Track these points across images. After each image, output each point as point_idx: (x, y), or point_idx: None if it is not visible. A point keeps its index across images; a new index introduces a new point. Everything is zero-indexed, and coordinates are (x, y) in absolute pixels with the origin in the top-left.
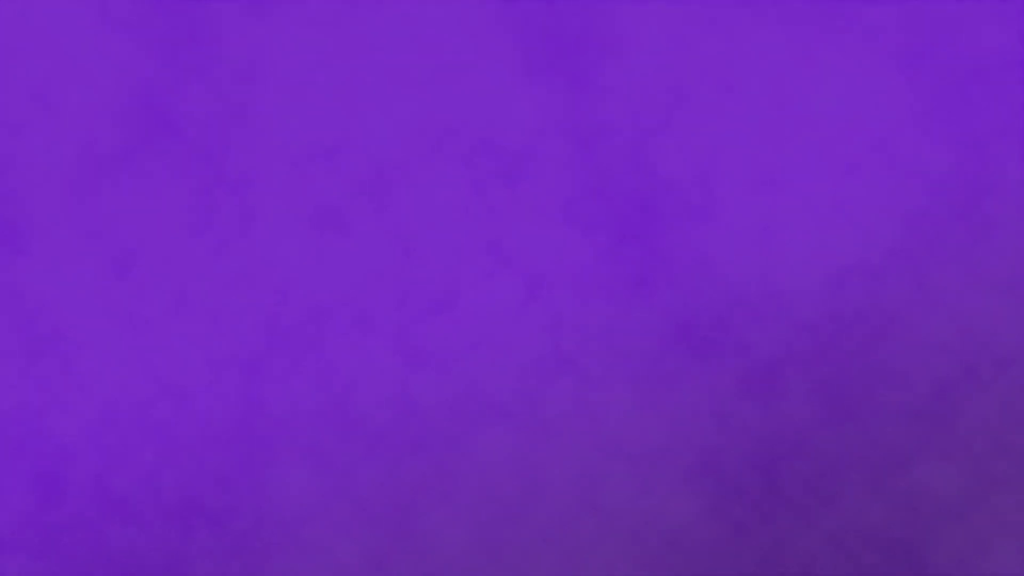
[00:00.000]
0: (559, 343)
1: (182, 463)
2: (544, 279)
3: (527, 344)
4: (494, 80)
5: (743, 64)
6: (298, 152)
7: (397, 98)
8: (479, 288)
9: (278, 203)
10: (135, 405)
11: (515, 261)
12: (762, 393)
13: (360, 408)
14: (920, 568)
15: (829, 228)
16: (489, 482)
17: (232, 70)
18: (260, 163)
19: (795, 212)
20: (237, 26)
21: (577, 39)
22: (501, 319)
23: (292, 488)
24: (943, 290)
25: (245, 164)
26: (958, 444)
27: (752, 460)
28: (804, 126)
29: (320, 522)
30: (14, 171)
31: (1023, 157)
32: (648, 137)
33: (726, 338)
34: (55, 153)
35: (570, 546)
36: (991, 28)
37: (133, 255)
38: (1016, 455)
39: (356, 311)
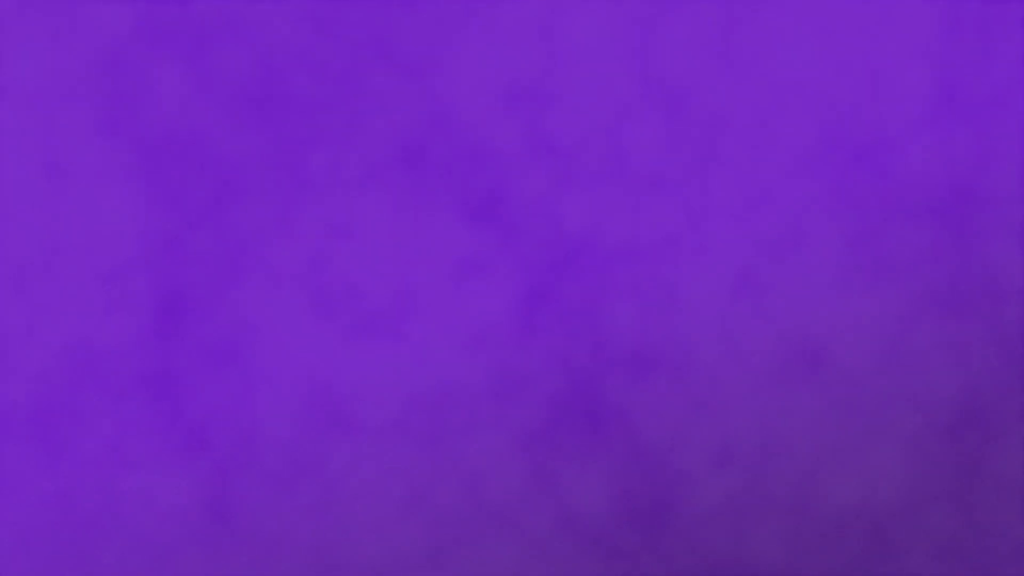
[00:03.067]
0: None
1: (176, 463)
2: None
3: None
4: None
5: (742, 56)
6: (293, 156)
7: (390, 110)
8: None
9: (275, 207)
10: (133, 406)
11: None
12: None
13: (353, 413)
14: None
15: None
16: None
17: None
18: (256, 166)
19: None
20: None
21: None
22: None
23: (295, 490)
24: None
25: (240, 167)
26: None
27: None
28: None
29: (322, 524)
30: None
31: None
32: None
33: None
34: (34, 151)
35: (569, 548)
36: (996, 29)
37: (125, 260)
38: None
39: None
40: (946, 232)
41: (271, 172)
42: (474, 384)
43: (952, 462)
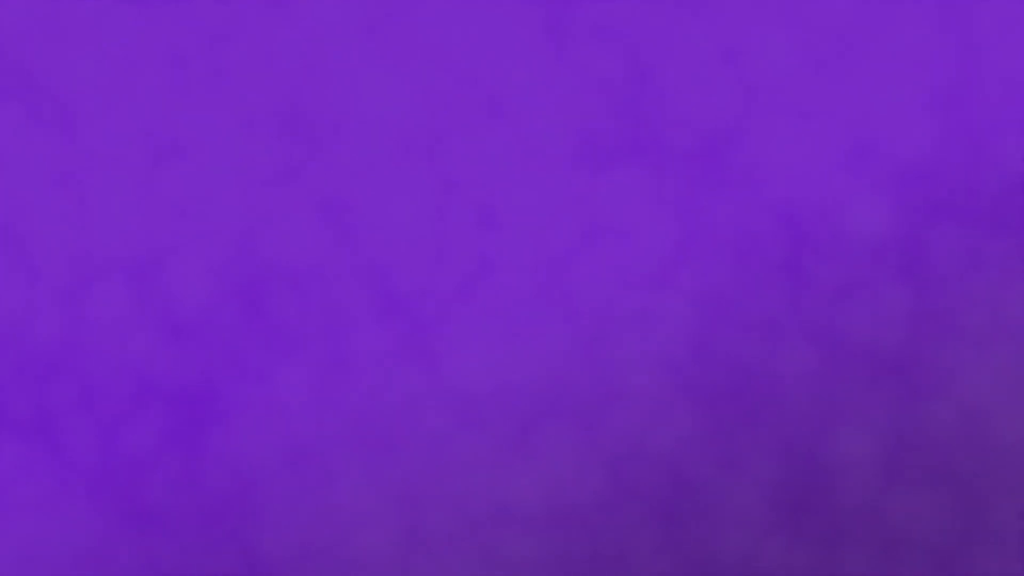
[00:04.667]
0: (578, 330)
1: (176, 464)
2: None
3: (545, 330)
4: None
5: (755, 58)
6: (300, 146)
7: (397, 92)
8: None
9: (280, 201)
10: (134, 407)
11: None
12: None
13: (358, 408)
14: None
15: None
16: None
17: (236, 68)
18: (260, 162)
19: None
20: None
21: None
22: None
23: (293, 489)
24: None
25: (244, 163)
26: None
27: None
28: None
29: (318, 519)
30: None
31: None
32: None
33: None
34: (65, 154)
35: (581, 549)
36: (996, 28)
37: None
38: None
39: (365, 306)
40: (946, 232)
41: (271, 171)
42: (474, 384)
43: (953, 462)
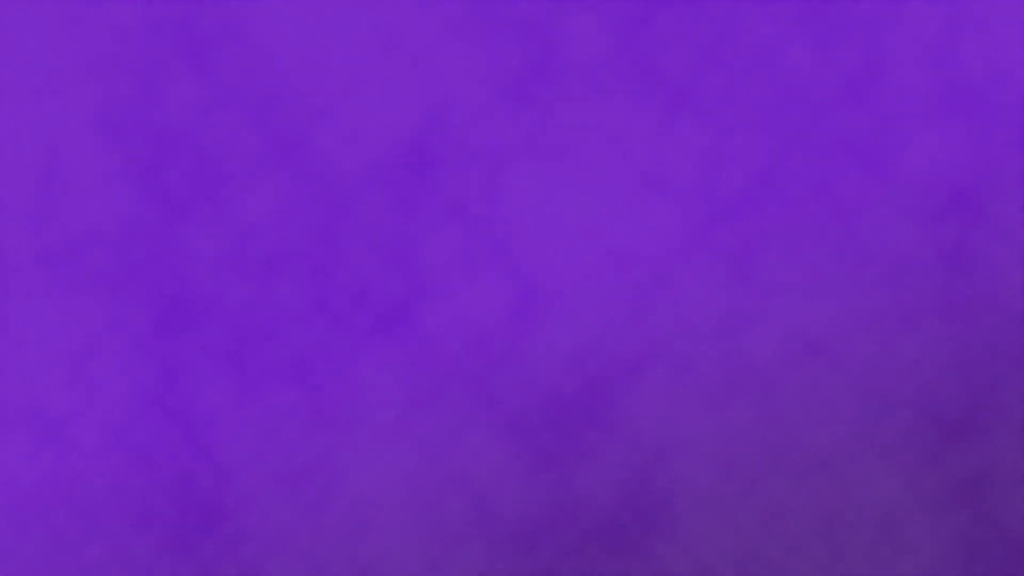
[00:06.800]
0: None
1: (176, 464)
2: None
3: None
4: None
5: (740, 57)
6: (294, 148)
7: (389, 103)
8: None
9: (275, 207)
10: (133, 405)
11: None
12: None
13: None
14: None
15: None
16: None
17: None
18: (256, 165)
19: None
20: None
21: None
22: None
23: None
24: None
25: (240, 167)
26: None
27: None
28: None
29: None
30: None
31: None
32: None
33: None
34: (28, 159)
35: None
36: (996, 28)
37: (120, 263)
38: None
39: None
40: (946, 232)
41: (271, 172)
42: (474, 384)
43: (952, 462)
